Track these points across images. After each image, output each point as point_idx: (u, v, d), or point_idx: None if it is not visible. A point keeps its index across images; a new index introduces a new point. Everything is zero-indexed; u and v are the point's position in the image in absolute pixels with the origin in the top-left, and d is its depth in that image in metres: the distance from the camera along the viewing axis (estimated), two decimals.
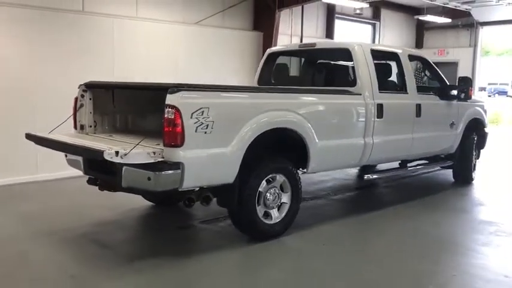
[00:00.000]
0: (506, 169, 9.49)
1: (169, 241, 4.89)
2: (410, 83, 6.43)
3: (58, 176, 7.27)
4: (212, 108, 4.17)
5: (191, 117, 4.03)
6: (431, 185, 7.94)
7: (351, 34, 13.96)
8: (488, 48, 43.63)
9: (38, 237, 4.86)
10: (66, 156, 5.07)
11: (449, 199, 6.94)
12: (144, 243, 4.96)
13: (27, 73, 7.29)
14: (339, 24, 13.39)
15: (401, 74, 6.45)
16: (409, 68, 6.49)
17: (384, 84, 6.08)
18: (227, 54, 10.11)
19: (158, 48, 8.92)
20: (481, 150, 8.34)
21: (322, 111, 5.30)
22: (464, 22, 15.31)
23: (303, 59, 7.33)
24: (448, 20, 14.76)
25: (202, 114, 4.10)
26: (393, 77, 6.62)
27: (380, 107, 5.82)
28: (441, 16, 14.52)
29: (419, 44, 16.35)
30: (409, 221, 5.79)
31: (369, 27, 14.77)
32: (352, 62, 5.89)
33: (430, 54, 15.84)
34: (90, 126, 5.20)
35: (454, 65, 15.58)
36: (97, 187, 4.92)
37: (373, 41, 14.70)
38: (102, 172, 4.62)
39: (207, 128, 4.14)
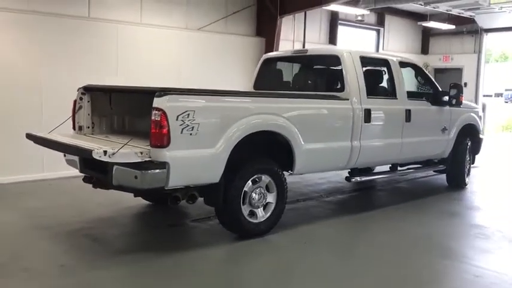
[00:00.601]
0: (504, 175, 9.57)
1: (160, 237, 5.13)
2: (400, 88, 6.59)
3: (63, 175, 7.57)
4: (198, 111, 4.41)
5: (177, 120, 4.27)
6: (425, 189, 8.07)
7: (355, 40, 14.08)
8: (508, 53, 43.13)
9: (36, 231, 5.16)
10: (64, 156, 5.38)
11: (440, 203, 7.06)
12: (134, 239, 5.21)
13: (35, 77, 7.64)
14: (342, 30, 13.51)
15: (391, 80, 6.62)
16: (399, 74, 6.65)
17: (373, 90, 6.26)
18: (230, 60, 10.33)
19: (162, 53, 9.18)
20: (476, 156, 8.44)
21: (309, 115, 5.48)
22: (468, 29, 15.39)
23: (296, 65, 7.53)
24: (453, 27, 14.85)
25: (188, 117, 4.34)
26: (384, 83, 6.80)
27: (368, 112, 6.00)
28: (445, 23, 14.60)
29: (424, 49, 16.43)
30: (395, 221, 5.98)
31: (373, 33, 14.88)
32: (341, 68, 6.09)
33: (435, 60, 15.99)
34: (88, 127, 5.50)
35: (458, 71, 15.66)
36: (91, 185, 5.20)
37: (377, 47, 14.80)
38: (96, 171, 4.89)
39: (192, 129, 4.37)
